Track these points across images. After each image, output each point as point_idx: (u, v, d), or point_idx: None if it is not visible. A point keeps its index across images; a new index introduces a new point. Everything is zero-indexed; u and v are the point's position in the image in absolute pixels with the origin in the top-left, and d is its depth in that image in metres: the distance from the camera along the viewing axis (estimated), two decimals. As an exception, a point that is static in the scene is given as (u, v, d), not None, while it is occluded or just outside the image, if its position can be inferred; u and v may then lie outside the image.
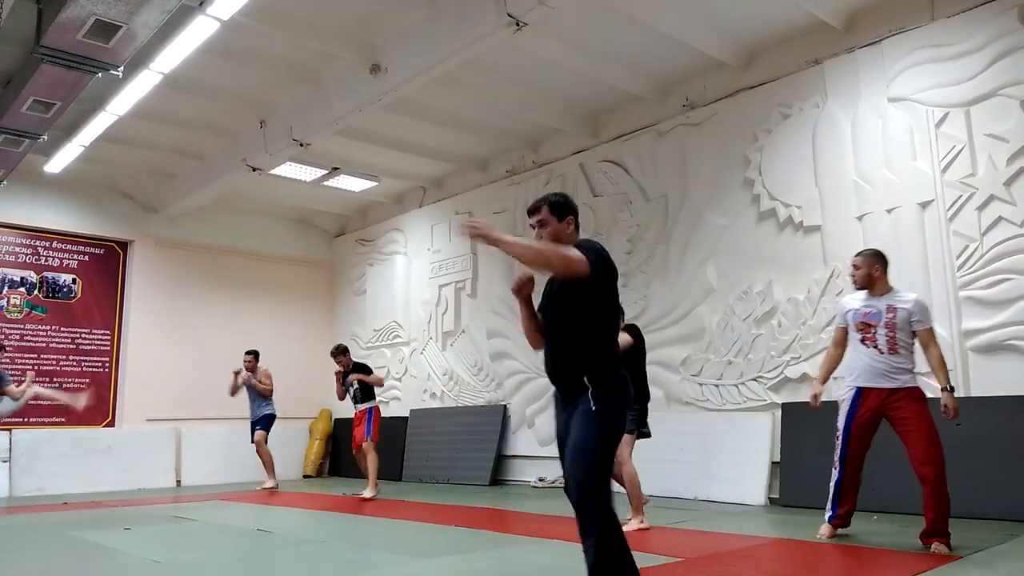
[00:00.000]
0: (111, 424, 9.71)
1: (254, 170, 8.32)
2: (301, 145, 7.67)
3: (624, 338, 4.86)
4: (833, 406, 5.38)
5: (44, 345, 9.40)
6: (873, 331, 4.10)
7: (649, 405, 5.15)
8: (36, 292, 9.43)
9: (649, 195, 7.45)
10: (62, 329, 9.55)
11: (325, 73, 7.05)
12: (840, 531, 4.32)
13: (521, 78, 7.19)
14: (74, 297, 9.71)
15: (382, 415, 7.85)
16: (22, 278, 9.37)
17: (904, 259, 5.50)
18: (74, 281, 9.73)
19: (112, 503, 7.47)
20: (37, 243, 9.51)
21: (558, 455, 2.81)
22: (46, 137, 7.06)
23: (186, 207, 9.91)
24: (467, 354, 9.33)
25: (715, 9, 6.07)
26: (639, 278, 7.32)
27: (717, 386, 6.66)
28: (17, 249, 9.38)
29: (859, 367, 4.15)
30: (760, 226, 6.55)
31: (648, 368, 5.28)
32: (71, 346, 9.59)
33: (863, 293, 4.25)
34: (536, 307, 2.91)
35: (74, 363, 9.59)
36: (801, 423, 5.98)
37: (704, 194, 6.98)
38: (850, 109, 6.04)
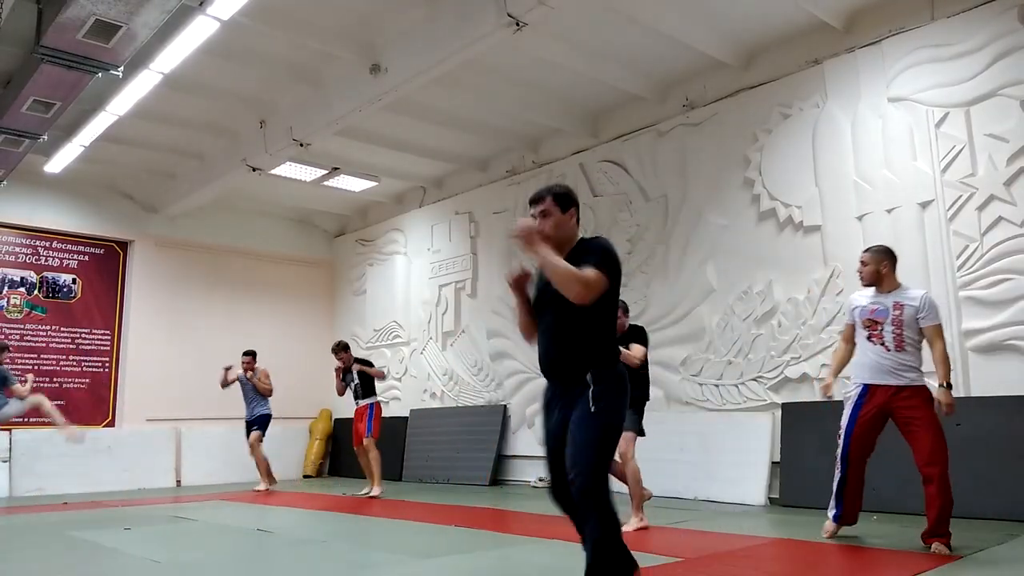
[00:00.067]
0: (111, 424, 9.71)
1: (254, 170, 8.32)
2: (301, 145, 7.67)
3: (640, 351, 4.93)
4: (833, 406, 5.37)
5: (44, 345, 9.40)
6: (880, 328, 4.07)
7: (648, 405, 5.19)
8: (36, 292, 9.44)
9: (649, 195, 7.45)
10: (62, 329, 9.55)
11: (325, 73, 7.05)
12: (845, 530, 4.29)
13: (521, 78, 7.19)
14: (74, 297, 9.71)
15: (383, 414, 7.90)
16: (22, 278, 9.37)
17: (904, 259, 5.42)
18: (74, 281, 9.73)
19: (112, 503, 7.47)
20: (37, 243, 9.52)
21: (545, 454, 2.76)
22: (46, 137, 7.06)
23: (186, 207, 9.91)
24: (467, 354, 9.33)
25: (715, 9, 6.07)
26: (639, 278, 7.32)
27: (717, 386, 6.66)
28: (17, 249, 9.39)
29: (866, 364, 4.12)
30: (760, 226, 6.55)
31: (649, 368, 5.28)
32: (71, 346, 9.59)
33: (871, 290, 4.21)
34: (531, 297, 2.87)
35: (74, 363, 9.59)
36: (801, 423, 5.98)
37: (704, 194, 6.98)
38: (850, 109, 6.04)
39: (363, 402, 7.76)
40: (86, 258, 9.85)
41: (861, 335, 4.17)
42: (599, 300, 2.63)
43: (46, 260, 9.56)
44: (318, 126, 7.36)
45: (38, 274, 9.48)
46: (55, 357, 9.46)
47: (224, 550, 4.72)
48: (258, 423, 8.23)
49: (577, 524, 2.71)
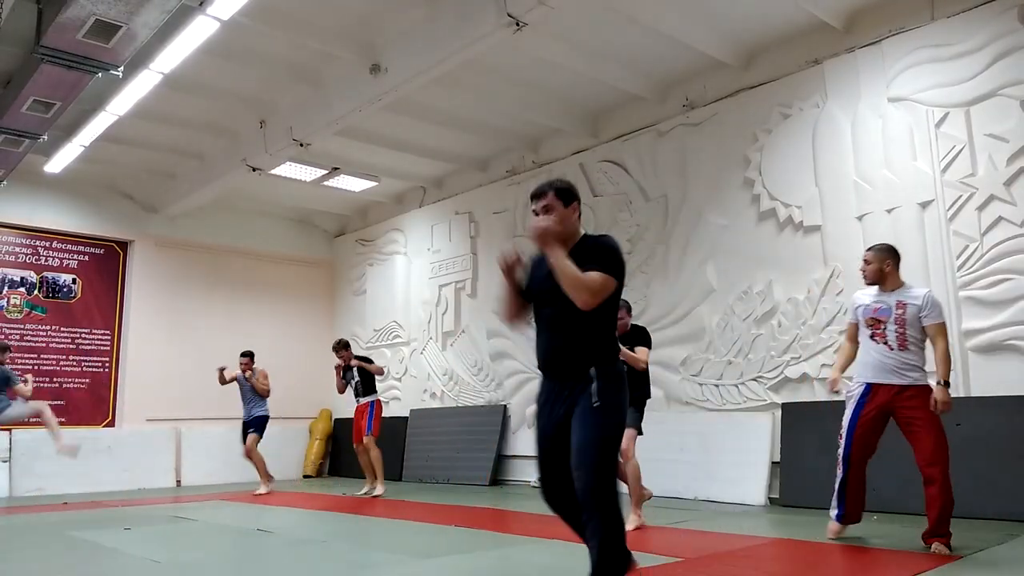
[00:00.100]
0: (111, 424, 9.71)
1: (254, 170, 8.32)
2: (301, 145, 7.67)
3: (645, 353, 5.01)
4: (833, 406, 5.36)
5: (44, 345, 9.40)
6: (883, 327, 4.04)
7: (648, 405, 5.24)
8: (36, 292, 9.44)
9: (649, 195, 7.45)
10: (62, 329, 9.55)
11: (325, 73, 7.05)
12: (846, 530, 4.28)
13: (521, 78, 7.19)
14: (74, 297, 9.71)
15: (383, 413, 7.92)
16: (22, 278, 9.37)
17: (904, 259, 5.41)
18: (74, 281, 9.73)
19: (112, 503, 7.47)
20: (37, 243, 9.52)
21: (538, 453, 2.70)
22: (46, 137, 7.06)
23: (186, 207, 9.91)
24: (467, 354, 9.33)
25: (715, 9, 6.07)
26: (639, 278, 7.31)
27: (717, 386, 6.66)
28: (17, 249, 9.39)
29: (869, 363, 4.08)
30: (760, 226, 6.55)
31: (649, 367, 5.30)
32: (71, 346, 9.60)
33: (874, 288, 4.18)
34: (526, 284, 2.80)
35: (74, 363, 9.60)
36: (801, 423, 5.99)
37: (704, 194, 6.98)
38: (850, 109, 6.04)
39: (364, 400, 7.81)
40: (86, 258, 9.85)
41: (864, 334, 4.14)
42: (607, 300, 2.61)
43: (46, 260, 9.56)
44: (318, 126, 7.36)
45: (38, 274, 9.48)
46: (55, 357, 9.46)
47: (224, 550, 4.73)
48: (255, 425, 8.16)
49: (573, 523, 2.67)
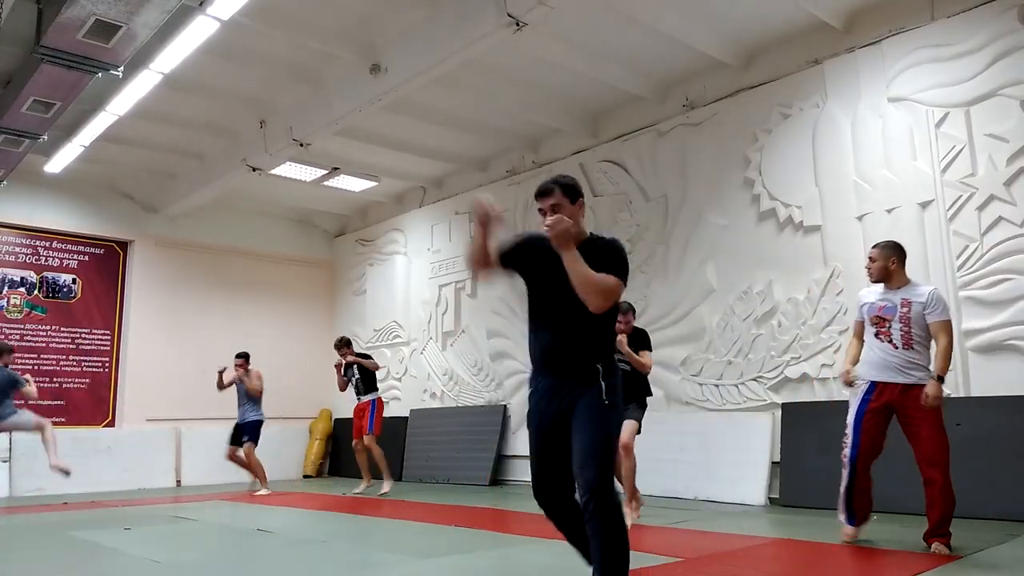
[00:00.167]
0: (111, 424, 9.71)
1: (254, 170, 8.32)
2: (301, 145, 7.67)
3: (650, 359, 5.19)
4: (833, 406, 5.37)
5: (44, 345, 9.40)
6: (888, 325, 4.01)
7: (648, 404, 5.34)
8: (36, 292, 9.43)
9: (649, 195, 7.45)
10: (62, 329, 9.55)
11: (325, 73, 7.05)
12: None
13: (521, 78, 7.19)
14: (74, 297, 9.71)
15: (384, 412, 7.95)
16: (22, 278, 9.37)
17: (904, 259, 5.49)
18: (74, 281, 9.73)
19: (112, 503, 7.47)
20: (37, 243, 9.52)
21: (533, 451, 2.65)
22: (46, 137, 7.06)
23: (186, 207, 9.91)
24: (467, 354, 9.33)
25: (715, 9, 6.07)
26: (639, 278, 7.31)
27: (717, 386, 6.66)
28: (17, 249, 9.38)
29: (874, 361, 4.04)
30: (760, 226, 6.55)
31: (649, 368, 5.36)
32: (71, 346, 9.60)
33: (880, 286, 4.13)
34: (520, 262, 2.71)
35: (74, 363, 9.60)
36: (801, 423, 5.99)
37: (704, 194, 6.98)
38: (850, 109, 6.04)
39: (365, 398, 7.85)
40: (86, 258, 9.85)
41: (869, 332, 4.10)
42: None
43: (46, 260, 9.56)
44: (318, 126, 7.36)
45: (38, 274, 9.48)
46: (55, 357, 9.46)
47: (224, 550, 4.73)
48: (248, 431, 8.09)
49: (564, 522, 2.63)
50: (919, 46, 5.67)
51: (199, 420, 9.86)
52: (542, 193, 2.70)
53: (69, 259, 9.72)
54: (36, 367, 9.13)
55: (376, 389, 7.97)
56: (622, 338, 4.96)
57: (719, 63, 6.75)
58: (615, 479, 4.80)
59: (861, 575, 3.61)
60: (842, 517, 4.16)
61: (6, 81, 6.63)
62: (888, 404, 3.98)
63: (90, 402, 9.64)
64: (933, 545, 3.81)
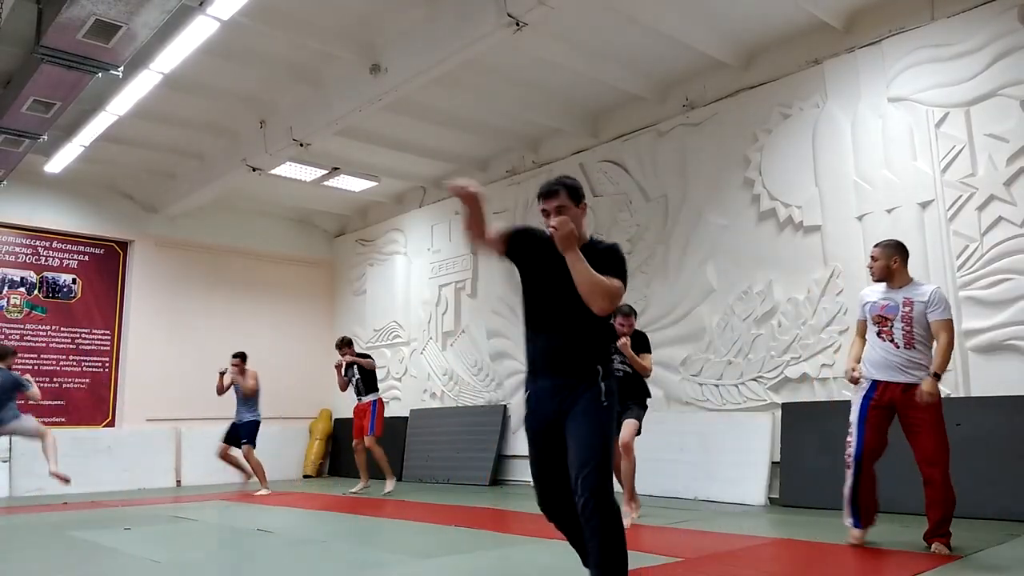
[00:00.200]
0: (111, 424, 9.71)
1: (254, 170, 8.32)
2: (301, 145, 7.67)
3: (651, 361, 5.27)
4: (833, 405, 5.37)
5: (44, 345, 9.40)
6: (890, 325, 3.99)
7: (648, 404, 5.38)
8: (36, 292, 9.43)
9: (649, 195, 7.45)
10: (62, 329, 9.55)
11: (325, 73, 7.05)
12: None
13: (521, 78, 7.19)
14: (74, 297, 9.71)
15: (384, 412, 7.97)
16: (22, 278, 9.37)
17: (904, 259, 5.49)
18: (74, 281, 9.73)
19: (112, 503, 7.47)
20: (37, 243, 9.52)
21: (534, 457, 2.62)
22: (46, 137, 7.06)
23: (186, 207, 9.91)
24: (467, 354, 9.33)
25: (715, 9, 6.07)
26: (639, 278, 7.31)
27: (717, 386, 6.66)
28: (17, 249, 9.38)
29: (875, 360, 4.03)
30: (760, 226, 6.55)
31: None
32: (71, 346, 9.59)
33: (882, 285, 4.12)
34: (519, 253, 2.70)
35: (74, 363, 9.60)
36: (801, 423, 5.99)
37: (704, 194, 6.98)
38: (850, 109, 6.04)
39: (366, 399, 7.86)
40: (86, 258, 9.85)
41: (871, 331, 4.09)
42: None
43: (46, 260, 9.56)
44: (318, 126, 7.36)
45: (38, 274, 9.48)
46: (55, 357, 9.46)
47: (224, 550, 4.73)
48: (245, 432, 8.08)
49: (569, 527, 2.62)
50: (919, 46, 5.67)
51: (199, 420, 9.85)
52: (547, 194, 2.67)
53: (69, 259, 9.72)
54: (36, 367, 9.13)
55: (377, 390, 7.99)
56: (625, 340, 4.98)
57: (719, 63, 6.75)
58: (614, 479, 4.87)
59: (861, 575, 3.61)
60: (848, 520, 4.13)
61: (6, 81, 6.63)
62: (889, 403, 3.97)
63: (90, 402, 9.64)
64: (933, 545, 3.81)
